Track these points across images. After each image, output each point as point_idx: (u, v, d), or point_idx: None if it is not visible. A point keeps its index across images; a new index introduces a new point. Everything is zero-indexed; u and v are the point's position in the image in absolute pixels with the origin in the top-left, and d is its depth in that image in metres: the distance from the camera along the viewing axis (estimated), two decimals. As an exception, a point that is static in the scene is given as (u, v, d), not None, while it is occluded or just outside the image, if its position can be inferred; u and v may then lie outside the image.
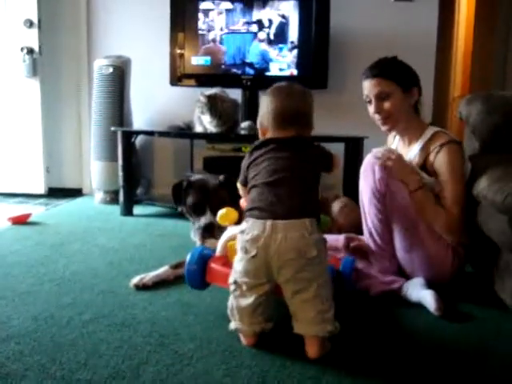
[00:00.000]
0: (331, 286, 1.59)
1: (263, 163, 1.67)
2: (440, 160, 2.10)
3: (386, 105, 2.16)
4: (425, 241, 2.07)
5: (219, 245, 1.89)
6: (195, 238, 2.37)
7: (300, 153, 1.68)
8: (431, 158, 2.13)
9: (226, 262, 1.83)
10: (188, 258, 1.84)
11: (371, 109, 2.21)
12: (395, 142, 2.39)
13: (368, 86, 2.19)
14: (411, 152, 2.22)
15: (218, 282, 1.79)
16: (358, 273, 2.08)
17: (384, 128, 2.24)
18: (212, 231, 2.28)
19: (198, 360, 1.51)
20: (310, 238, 1.53)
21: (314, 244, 1.53)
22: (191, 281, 1.84)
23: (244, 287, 1.57)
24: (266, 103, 1.75)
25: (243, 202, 1.89)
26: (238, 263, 1.59)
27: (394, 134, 2.37)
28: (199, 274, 1.81)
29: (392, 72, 2.16)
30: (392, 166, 2.04)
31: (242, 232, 1.59)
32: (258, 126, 1.80)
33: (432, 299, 1.89)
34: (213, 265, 1.81)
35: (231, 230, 1.88)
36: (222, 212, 1.96)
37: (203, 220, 2.31)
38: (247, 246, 1.55)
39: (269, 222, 1.53)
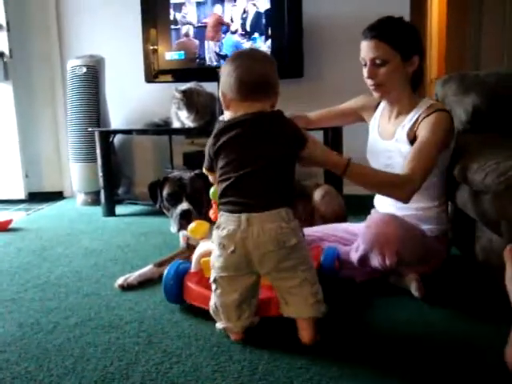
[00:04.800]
0: (315, 271, 1.59)
1: (231, 154, 1.54)
2: (423, 124, 1.97)
3: (381, 72, 1.96)
4: (425, 243, 2.02)
5: (193, 260, 1.88)
6: (173, 230, 2.32)
7: (271, 134, 1.54)
8: (417, 124, 1.99)
9: (202, 277, 1.84)
10: (165, 273, 1.85)
11: (365, 73, 2.02)
12: (379, 109, 2.23)
13: (365, 48, 1.98)
14: (399, 123, 2.07)
15: (195, 303, 1.78)
16: (341, 262, 2.08)
17: (375, 94, 2.07)
18: (189, 218, 2.22)
19: (187, 357, 1.51)
20: (287, 227, 1.50)
21: (293, 232, 1.51)
22: (168, 296, 1.86)
23: (225, 283, 1.55)
24: (228, 71, 1.58)
25: (212, 214, 1.85)
26: (217, 259, 1.55)
27: (370, 97, 2.19)
28: (176, 289, 1.83)
29: (393, 36, 1.94)
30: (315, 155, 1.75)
31: (218, 228, 1.55)
32: (221, 97, 1.62)
33: (416, 283, 1.90)
34: (189, 284, 1.81)
35: (203, 246, 1.87)
36: (192, 225, 1.96)
37: (180, 207, 2.27)
38: (224, 242, 1.52)
39: (243, 216, 1.49)
